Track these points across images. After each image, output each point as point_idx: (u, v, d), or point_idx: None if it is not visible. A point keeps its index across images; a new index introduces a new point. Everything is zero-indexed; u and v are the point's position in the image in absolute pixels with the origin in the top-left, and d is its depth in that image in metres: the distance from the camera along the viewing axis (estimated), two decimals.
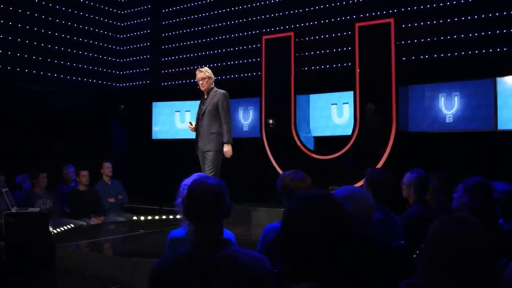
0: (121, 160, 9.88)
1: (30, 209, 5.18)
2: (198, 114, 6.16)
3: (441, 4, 7.58)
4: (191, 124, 6.10)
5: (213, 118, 5.97)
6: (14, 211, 4.96)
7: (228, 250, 2.19)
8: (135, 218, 7.28)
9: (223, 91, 6.13)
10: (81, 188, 7.23)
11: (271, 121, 8.46)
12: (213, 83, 6.18)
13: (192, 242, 2.99)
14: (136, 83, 10.64)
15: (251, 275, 2.14)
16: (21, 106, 8.74)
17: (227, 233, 3.12)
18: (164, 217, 7.26)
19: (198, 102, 9.44)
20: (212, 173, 5.77)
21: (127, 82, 10.72)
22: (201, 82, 6.07)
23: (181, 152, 9.96)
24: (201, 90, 6.16)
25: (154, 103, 10.00)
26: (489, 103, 7.07)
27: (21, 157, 8.26)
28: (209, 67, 9.72)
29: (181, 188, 3.12)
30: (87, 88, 9.95)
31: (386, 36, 7.45)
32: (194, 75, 6.21)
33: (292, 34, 8.35)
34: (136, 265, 4.34)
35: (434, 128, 7.58)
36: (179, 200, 3.06)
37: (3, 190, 5.31)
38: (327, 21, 8.56)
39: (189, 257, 2.20)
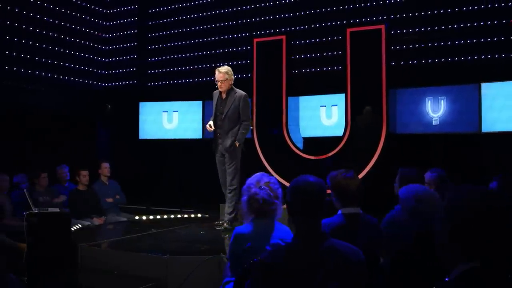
0: (107, 159, 9.82)
1: (50, 209, 5.17)
2: (216, 114, 6.21)
3: (429, 13, 7.99)
4: (211, 127, 6.14)
5: (235, 121, 6.10)
6: (36, 211, 4.94)
7: (330, 242, 2.39)
8: (137, 217, 7.31)
9: (243, 92, 6.19)
10: (81, 188, 7.20)
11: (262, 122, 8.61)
12: (232, 83, 6.19)
13: (255, 236, 3.19)
14: (122, 83, 10.60)
15: (351, 264, 2.36)
16: (6, 104, 8.58)
17: (285, 229, 3.30)
18: (165, 216, 7.33)
19: (186, 102, 9.73)
20: (234, 172, 5.97)
21: (114, 82, 10.68)
22: (219, 83, 6.09)
23: (168, 152, 10.03)
24: (219, 90, 6.19)
25: (141, 103, 9.99)
26: (474, 106, 7.49)
27: (6, 156, 8.12)
28: (197, 68, 9.96)
29: (245, 186, 3.25)
30: (73, 88, 9.86)
31: (377, 41, 7.78)
32: (214, 75, 6.15)
33: (284, 37, 8.54)
34: (170, 263, 4.44)
35: (421, 130, 7.95)
36: (245, 197, 3.20)
37: (25, 190, 5.28)
38: (317, 25, 8.83)
39: (294, 249, 2.37)
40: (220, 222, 6.26)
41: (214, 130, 6.18)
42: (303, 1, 8.99)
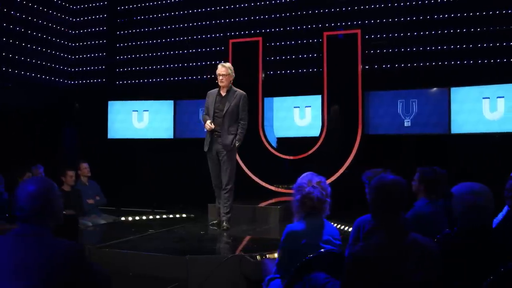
0: (75, 159, 9.54)
1: None
2: (214, 112, 6.01)
3: (402, 19, 8.37)
4: (211, 124, 5.95)
5: (234, 119, 6.00)
6: None
7: (411, 236, 2.55)
8: (123, 218, 7.19)
9: (243, 92, 6.10)
10: (66, 188, 6.95)
11: None
12: (232, 81, 6.09)
13: (309, 233, 3.30)
14: (91, 81, 10.35)
15: (432, 255, 2.55)
16: None
17: (332, 225, 3.44)
18: (151, 217, 7.27)
19: (157, 102, 9.63)
20: (231, 172, 5.96)
21: (82, 79, 10.40)
22: (221, 77, 5.96)
23: (138, 152, 9.88)
24: (218, 85, 6.06)
25: (110, 102, 9.80)
26: (444, 109, 7.95)
27: None
28: (168, 67, 9.87)
29: (296, 186, 3.34)
30: (39, 85, 9.50)
31: (353, 45, 8.07)
32: (216, 71, 6.03)
33: (260, 39, 8.65)
34: (191, 263, 4.43)
35: (393, 131, 8.31)
36: (298, 197, 3.30)
37: None
38: (293, 28, 9.01)
39: (382, 243, 2.52)
40: (215, 222, 6.25)
41: (211, 128, 5.97)
42: (280, 3, 9.14)
